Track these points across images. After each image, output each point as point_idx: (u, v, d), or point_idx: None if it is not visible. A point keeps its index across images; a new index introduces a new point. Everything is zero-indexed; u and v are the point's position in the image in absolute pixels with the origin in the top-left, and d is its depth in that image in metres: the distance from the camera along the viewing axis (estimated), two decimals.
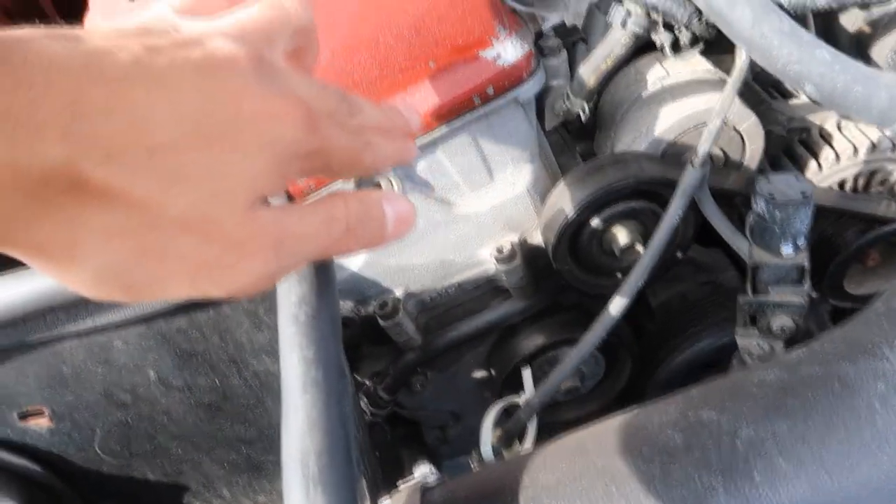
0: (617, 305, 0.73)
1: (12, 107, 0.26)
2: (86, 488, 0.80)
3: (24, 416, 0.71)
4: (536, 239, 0.90)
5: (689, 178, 0.70)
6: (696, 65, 0.88)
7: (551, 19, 0.95)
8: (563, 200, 0.82)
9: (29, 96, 0.26)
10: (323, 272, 0.50)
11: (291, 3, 0.44)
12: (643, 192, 0.81)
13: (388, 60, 0.72)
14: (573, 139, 0.99)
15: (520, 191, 0.86)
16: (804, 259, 0.57)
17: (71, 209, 0.29)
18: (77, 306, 0.62)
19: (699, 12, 0.64)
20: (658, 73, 0.87)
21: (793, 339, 0.59)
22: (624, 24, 0.71)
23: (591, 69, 0.77)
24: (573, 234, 0.83)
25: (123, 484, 0.80)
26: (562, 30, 0.90)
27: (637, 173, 0.79)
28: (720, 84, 0.86)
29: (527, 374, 0.85)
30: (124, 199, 0.29)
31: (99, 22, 0.72)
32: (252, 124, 0.32)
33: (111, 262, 0.31)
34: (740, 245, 0.68)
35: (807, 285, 0.58)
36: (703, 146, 0.70)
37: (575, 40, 0.88)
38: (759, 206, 0.57)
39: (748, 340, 0.59)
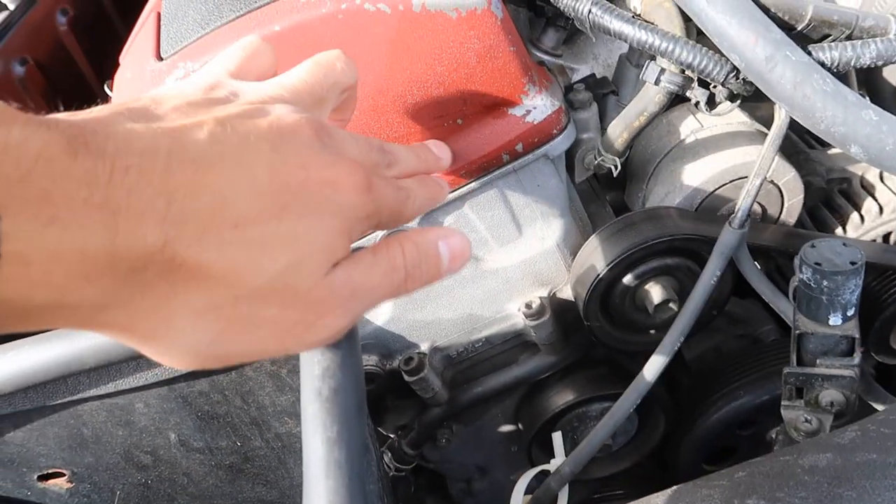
0: (651, 370, 0.70)
1: (111, 196, 0.27)
2: None
3: (43, 478, 0.70)
4: (566, 293, 0.88)
5: (726, 239, 0.68)
6: (730, 117, 0.86)
7: (581, 71, 0.94)
8: (596, 257, 0.79)
9: (126, 185, 0.27)
10: (348, 341, 0.49)
11: (339, 62, 0.45)
12: (678, 249, 0.79)
13: (416, 119, 0.71)
14: (602, 188, 0.97)
15: (549, 245, 0.84)
16: (854, 329, 0.54)
17: (166, 290, 0.30)
18: (99, 370, 0.61)
19: (736, 70, 0.62)
20: (692, 126, 0.85)
21: (842, 414, 0.55)
22: (657, 82, 0.69)
23: (622, 126, 0.76)
24: (605, 291, 0.81)
25: None
26: (592, 81, 0.89)
27: (672, 230, 0.76)
28: (756, 136, 0.83)
29: (557, 439, 0.82)
30: (214, 277, 0.31)
31: (129, 82, 0.72)
32: (321, 191, 0.34)
33: (204, 337, 0.32)
34: (783, 307, 0.65)
35: (857, 357, 0.55)
36: (743, 205, 0.67)
37: (605, 92, 0.87)
38: (805, 274, 0.55)
39: (795, 413, 0.56)
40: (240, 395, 0.68)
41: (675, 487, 0.53)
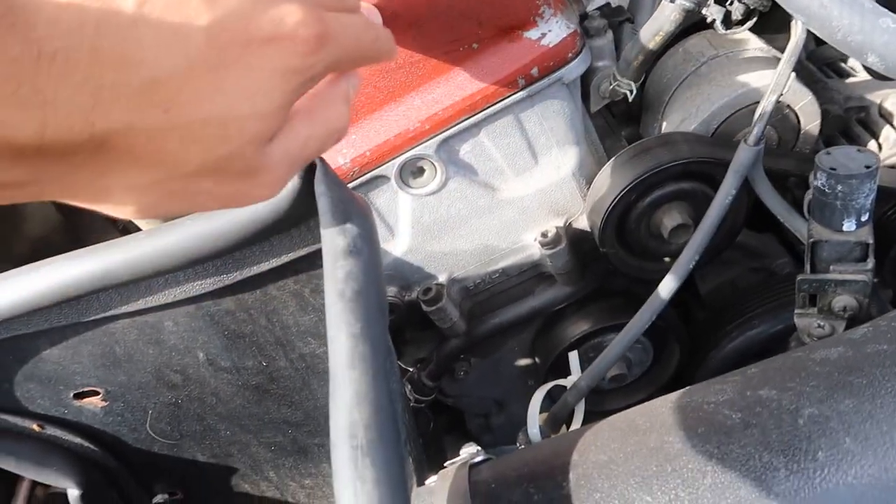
0: (666, 288, 0.72)
1: (38, 88, 0.26)
2: (139, 469, 0.81)
3: (79, 396, 0.73)
4: (582, 223, 0.88)
5: (742, 157, 0.68)
6: (747, 43, 0.86)
7: (596, 0, 0.93)
8: (610, 183, 0.80)
9: (52, 74, 0.27)
10: (369, 248, 0.50)
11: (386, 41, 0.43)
12: (693, 173, 0.79)
13: (432, 43, 0.72)
14: (618, 123, 0.97)
15: (565, 174, 0.84)
16: (868, 235, 0.55)
17: (98, 168, 0.30)
18: (129, 286, 0.63)
19: None
20: (708, 53, 0.85)
21: (854, 321, 0.56)
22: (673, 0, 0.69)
23: (638, 48, 0.76)
24: (620, 217, 0.82)
25: (174, 465, 0.82)
26: (607, 10, 0.88)
27: (686, 154, 0.77)
28: (773, 62, 0.83)
29: (573, 357, 0.84)
30: (145, 160, 0.30)
31: None
32: (264, 55, 0.31)
33: (145, 205, 0.33)
34: (797, 225, 0.65)
35: (871, 263, 0.55)
36: (758, 124, 0.67)
37: (621, 20, 0.86)
38: (819, 180, 0.55)
39: (808, 321, 0.56)
40: (265, 315, 0.70)
41: (689, 387, 0.55)
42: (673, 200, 0.81)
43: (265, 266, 0.64)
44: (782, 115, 0.82)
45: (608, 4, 0.90)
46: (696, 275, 0.96)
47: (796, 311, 0.58)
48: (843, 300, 0.55)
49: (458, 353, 0.97)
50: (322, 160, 0.59)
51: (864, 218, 0.54)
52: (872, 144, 0.91)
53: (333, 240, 0.51)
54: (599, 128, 0.92)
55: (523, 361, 1.02)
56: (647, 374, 1.02)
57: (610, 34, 0.83)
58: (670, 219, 0.80)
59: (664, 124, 0.87)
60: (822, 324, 0.55)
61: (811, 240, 0.57)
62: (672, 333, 0.95)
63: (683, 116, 0.83)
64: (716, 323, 0.96)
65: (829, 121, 0.88)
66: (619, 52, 0.84)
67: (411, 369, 1.02)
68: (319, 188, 0.55)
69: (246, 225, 0.60)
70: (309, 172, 0.57)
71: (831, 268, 0.56)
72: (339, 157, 0.77)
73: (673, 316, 0.94)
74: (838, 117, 0.91)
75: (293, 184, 0.59)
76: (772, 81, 0.69)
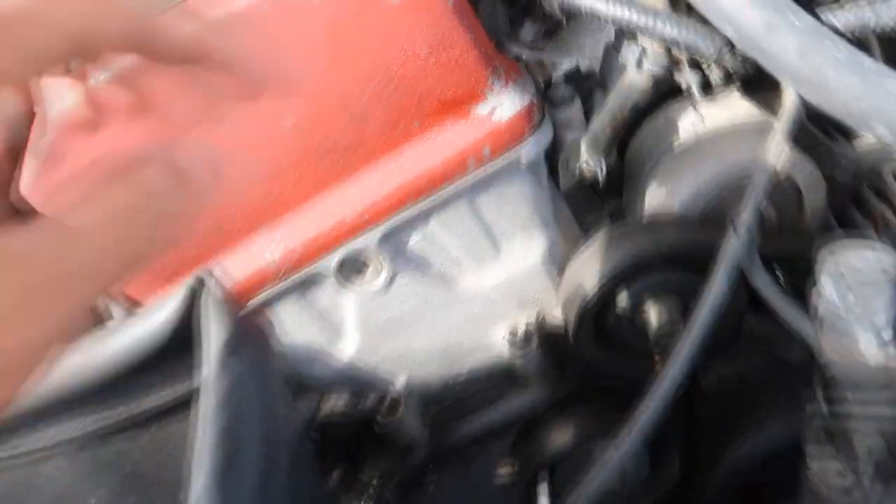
0: (652, 407, 0.59)
1: None
2: None
3: None
4: (557, 315, 0.77)
5: (731, 249, 0.57)
6: (735, 107, 0.75)
7: (565, 66, 0.83)
8: (584, 274, 0.69)
9: None
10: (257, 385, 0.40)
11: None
12: (680, 260, 0.68)
13: (365, 123, 0.62)
14: (603, 196, 0.86)
15: (532, 263, 0.73)
16: (893, 356, 0.43)
17: None
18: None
19: (731, 44, 0.51)
20: (691, 119, 0.75)
21: (883, 465, 0.44)
22: (640, 65, 0.59)
23: (606, 120, 0.65)
24: (597, 314, 0.70)
25: None
26: (576, 75, 0.79)
27: (671, 240, 0.66)
28: (766, 129, 0.72)
29: (543, 491, 0.71)
30: None
31: None
32: None
33: None
34: (806, 330, 0.53)
35: None
36: (748, 207, 0.56)
37: (591, 86, 0.77)
38: (825, 288, 0.44)
39: (824, 464, 0.44)
40: (166, 452, 0.58)
41: None
42: (658, 293, 0.69)
43: (158, 399, 0.53)
44: (781, 189, 0.71)
45: (577, 69, 0.81)
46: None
47: (809, 448, 0.46)
48: (866, 441, 0.43)
49: (426, 465, 0.85)
50: (210, 275, 0.49)
51: (888, 336, 0.43)
52: (888, 213, 0.79)
53: (215, 379, 0.41)
54: (580, 201, 0.81)
55: (502, 470, 0.89)
56: (645, 483, 0.88)
57: (578, 103, 0.73)
58: (656, 315, 0.68)
59: (647, 201, 0.76)
60: (842, 470, 0.43)
61: (822, 362, 0.45)
62: (668, 439, 0.82)
63: (667, 192, 0.72)
64: (722, 424, 0.82)
65: (836, 190, 0.77)
66: (591, 121, 0.74)
67: (374, 482, 0.89)
68: (203, 312, 0.44)
69: (125, 353, 0.49)
70: (194, 290, 0.47)
71: (849, 395, 0.44)
72: (266, 254, 0.67)
73: (669, 423, 0.81)
74: (847, 185, 0.79)
75: (177, 305, 0.48)
76: (763, 154, 0.58)
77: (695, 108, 0.73)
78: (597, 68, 0.81)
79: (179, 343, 0.49)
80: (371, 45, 0.58)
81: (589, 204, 0.83)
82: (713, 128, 0.73)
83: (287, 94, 0.57)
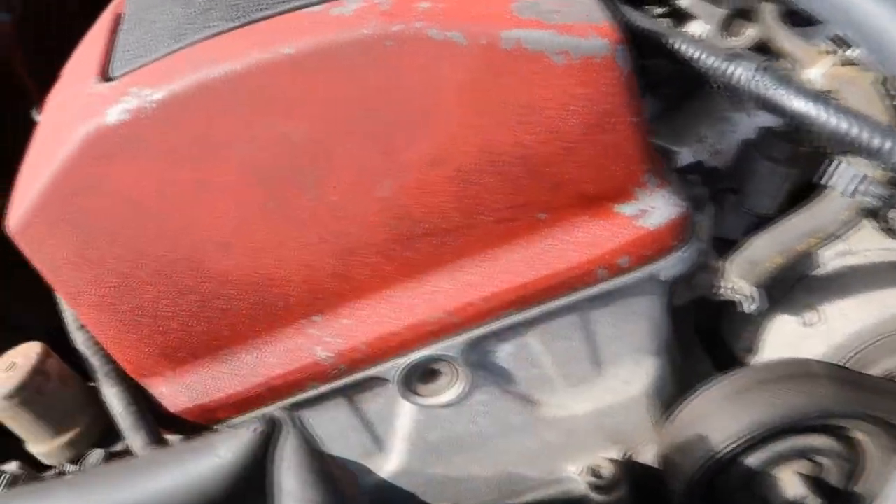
0: None
1: None
2: None
3: None
4: (646, 457, 0.63)
5: None
6: (890, 243, 0.63)
7: (682, 155, 0.71)
8: (711, 422, 0.55)
9: None
10: None
11: None
12: (828, 425, 0.55)
13: (482, 205, 0.48)
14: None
15: (635, 393, 0.59)
16: None
17: None
18: None
19: None
20: (837, 248, 0.62)
21: None
22: (853, 193, 0.46)
23: (778, 247, 0.53)
24: (712, 471, 0.56)
25: None
26: (699, 170, 0.66)
27: (829, 403, 0.53)
28: None
29: None
30: None
31: (59, 107, 0.49)
32: None
33: None
34: None
35: None
36: None
37: (721, 189, 0.64)
38: None
39: None
40: None
41: None
42: (793, 459, 0.56)
43: None
44: None
45: (700, 164, 0.68)
46: None
47: None
48: None
49: None
50: (289, 418, 0.34)
51: None
52: None
53: None
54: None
55: None
56: None
57: (711, 208, 0.60)
58: (790, 485, 0.55)
59: (771, 335, 0.64)
60: None
61: None
62: None
63: (805, 333, 0.60)
64: None
65: None
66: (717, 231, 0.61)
67: None
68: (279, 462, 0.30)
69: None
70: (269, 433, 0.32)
71: None
72: (317, 349, 0.52)
73: None
74: None
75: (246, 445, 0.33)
76: None
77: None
78: (720, 165, 0.68)
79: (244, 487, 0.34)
80: (512, 111, 0.45)
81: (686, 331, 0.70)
82: (865, 262, 0.62)
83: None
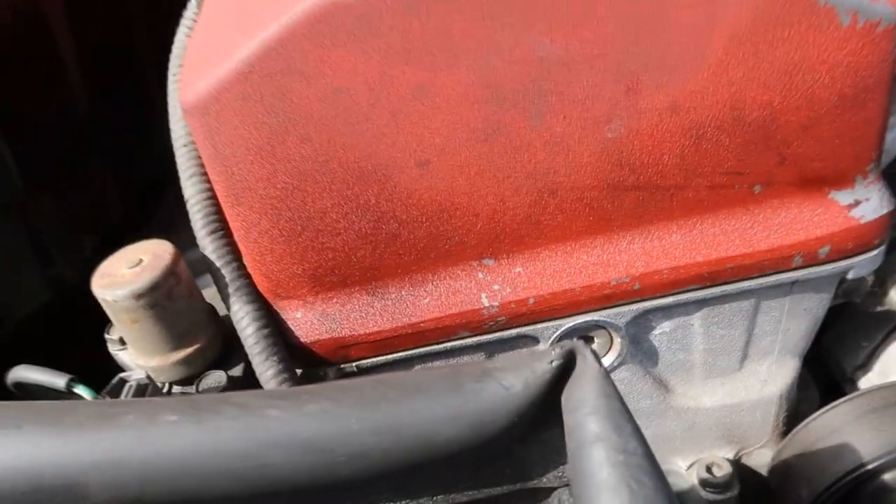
0: None
1: None
2: None
3: None
4: (759, 459, 0.61)
5: None
6: None
7: None
8: (851, 433, 0.53)
9: None
10: None
11: None
12: None
13: (700, 165, 0.44)
14: None
15: (770, 394, 0.57)
16: None
17: None
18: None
19: None
20: None
21: None
22: None
23: None
24: (845, 488, 0.54)
25: None
26: None
27: None
28: None
29: None
30: None
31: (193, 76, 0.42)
32: None
33: None
34: None
35: None
36: None
37: None
38: None
39: None
40: None
41: None
42: None
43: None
44: None
45: None
46: None
47: None
48: None
49: None
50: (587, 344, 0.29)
51: None
52: None
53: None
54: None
55: None
56: None
57: None
58: None
59: (881, 358, 0.62)
60: None
61: None
62: None
63: None
64: None
65: None
66: None
67: None
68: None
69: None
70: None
71: None
72: (483, 296, 0.46)
73: None
74: None
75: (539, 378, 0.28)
76: None
77: None
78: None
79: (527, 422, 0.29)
80: (778, 69, 0.41)
81: None
82: None
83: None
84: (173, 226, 0.58)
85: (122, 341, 0.50)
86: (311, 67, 0.38)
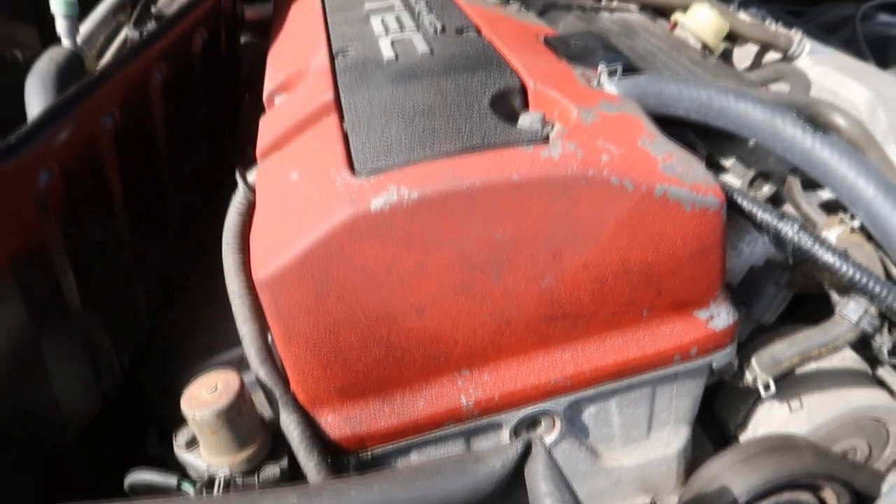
0: None
1: None
2: None
3: None
4: None
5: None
6: (844, 354, 0.86)
7: None
8: (730, 477, 0.73)
9: None
10: None
11: None
12: (807, 484, 0.75)
13: (607, 300, 0.64)
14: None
15: (671, 452, 0.77)
16: None
17: None
18: None
19: None
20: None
21: None
22: (858, 322, 0.67)
23: (796, 350, 0.73)
24: None
25: None
26: None
27: (811, 466, 0.72)
28: (871, 378, 0.83)
29: None
30: None
31: (307, 190, 0.61)
32: None
33: None
34: None
35: None
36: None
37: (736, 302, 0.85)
38: None
39: None
40: None
41: None
42: None
43: None
44: (875, 428, 0.81)
45: None
46: None
47: None
48: None
49: None
50: (542, 444, 0.48)
51: None
52: None
53: None
54: None
55: None
56: None
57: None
58: None
59: (757, 415, 0.84)
60: None
61: None
62: None
63: (789, 417, 0.80)
64: None
65: None
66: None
67: None
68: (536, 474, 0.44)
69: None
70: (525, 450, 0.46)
71: None
72: (462, 397, 0.65)
73: None
74: None
75: (511, 458, 0.47)
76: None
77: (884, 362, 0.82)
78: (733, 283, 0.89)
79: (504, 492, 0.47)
80: (649, 239, 0.62)
81: None
82: (830, 367, 0.83)
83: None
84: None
85: (187, 445, 0.66)
86: (346, 254, 0.57)
